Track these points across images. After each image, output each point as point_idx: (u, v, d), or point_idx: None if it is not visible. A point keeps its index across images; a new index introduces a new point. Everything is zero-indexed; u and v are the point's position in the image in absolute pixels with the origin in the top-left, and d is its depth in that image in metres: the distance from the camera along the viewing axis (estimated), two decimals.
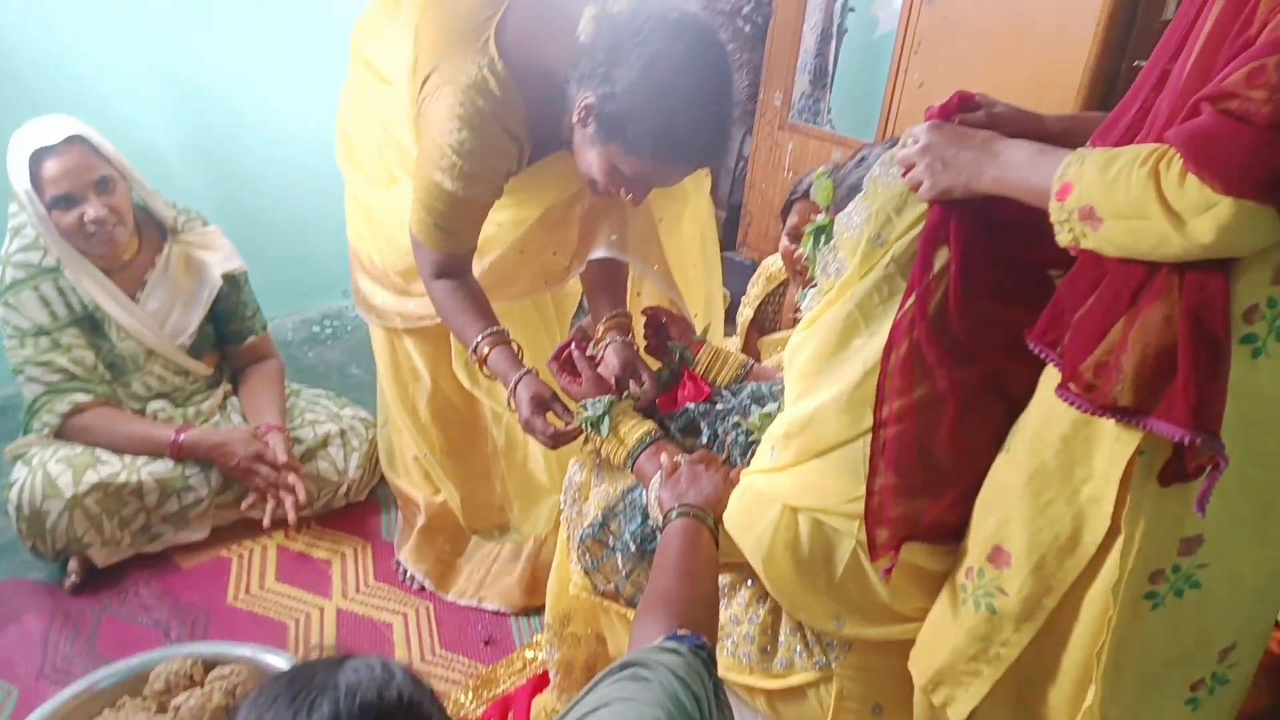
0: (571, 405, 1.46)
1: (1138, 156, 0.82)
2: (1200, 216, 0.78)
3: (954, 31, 2.60)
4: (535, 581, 1.89)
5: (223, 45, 2.35)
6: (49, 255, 1.82)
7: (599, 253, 1.59)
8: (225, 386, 2.12)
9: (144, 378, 1.98)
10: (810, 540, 1.15)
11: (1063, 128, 1.08)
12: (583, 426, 1.43)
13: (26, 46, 2.22)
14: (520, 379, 1.46)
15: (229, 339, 2.11)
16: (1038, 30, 2.42)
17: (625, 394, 1.50)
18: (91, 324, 1.89)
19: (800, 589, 1.18)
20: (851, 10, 3.56)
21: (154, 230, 1.98)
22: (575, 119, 1.36)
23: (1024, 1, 2.43)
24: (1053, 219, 0.89)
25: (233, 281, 2.05)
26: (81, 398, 1.85)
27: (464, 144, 1.35)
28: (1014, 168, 0.95)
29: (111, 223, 1.83)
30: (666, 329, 1.63)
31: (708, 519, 1.20)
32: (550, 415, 1.46)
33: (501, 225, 1.62)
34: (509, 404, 1.48)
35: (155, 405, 1.99)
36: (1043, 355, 0.97)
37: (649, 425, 1.42)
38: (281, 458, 1.92)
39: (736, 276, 3.22)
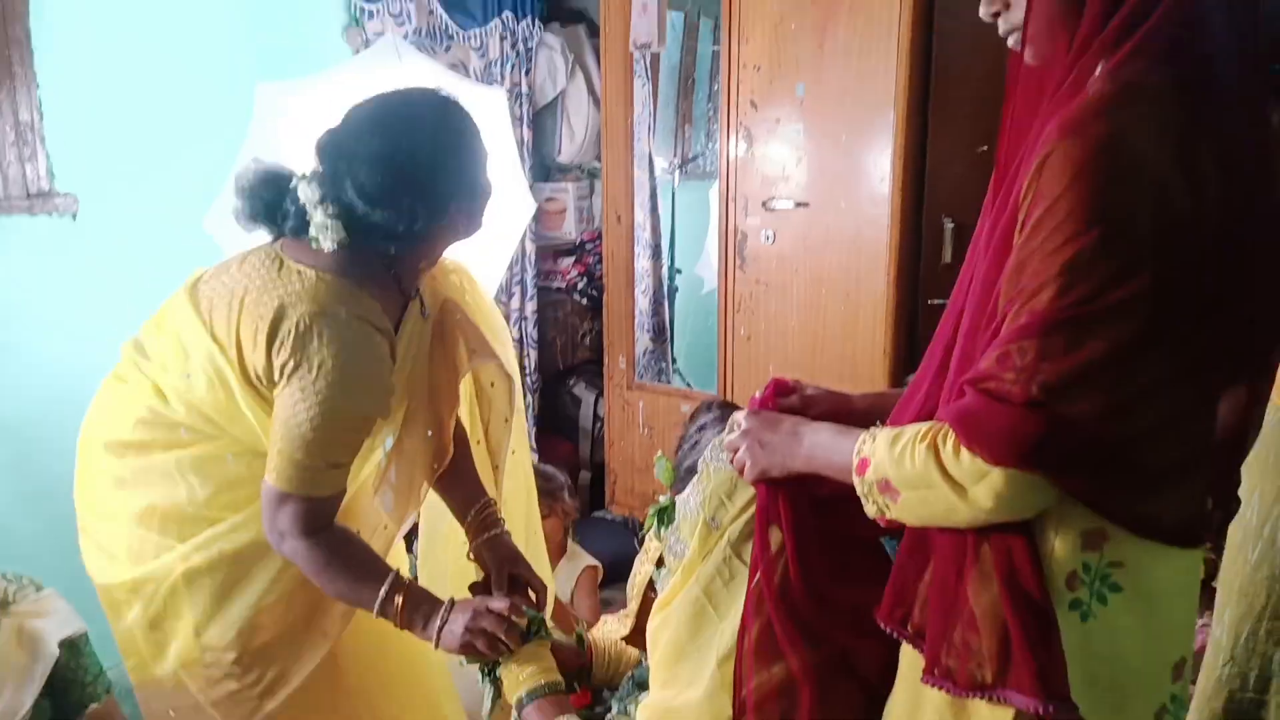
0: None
1: (918, 433, 0.92)
2: (978, 485, 0.87)
3: (766, 291, 2.87)
4: None
5: (55, 390, 2.30)
6: None
7: (468, 368, 1.62)
8: None
9: None
10: None
11: (868, 404, 1.20)
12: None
13: None
14: (449, 605, 1.44)
15: (68, 712, 1.90)
16: (839, 284, 2.71)
17: (539, 629, 1.49)
18: None
19: None
20: (678, 272, 3.88)
21: None
22: (435, 237, 1.43)
23: (821, 262, 2.73)
24: (858, 492, 0.97)
25: (71, 647, 1.88)
26: None
27: (349, 359, 1.32)
28: (819, 448, 1.05)
29: None
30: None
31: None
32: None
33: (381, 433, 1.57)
34: (436, 641, 1.43)
35: None
36: (895, 634, 1.01)
37: (553, 677, 1.42)
38: None
39: (608, 536, 3.23)
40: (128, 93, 2.39)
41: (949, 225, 2.59)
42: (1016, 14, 0.95)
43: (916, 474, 0.90)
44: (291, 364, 1.31)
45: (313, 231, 1.35)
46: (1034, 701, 0.86)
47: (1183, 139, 0.83)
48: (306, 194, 1.35)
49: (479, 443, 1.76)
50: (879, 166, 2.57)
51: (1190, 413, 0.90)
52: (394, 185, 1.34)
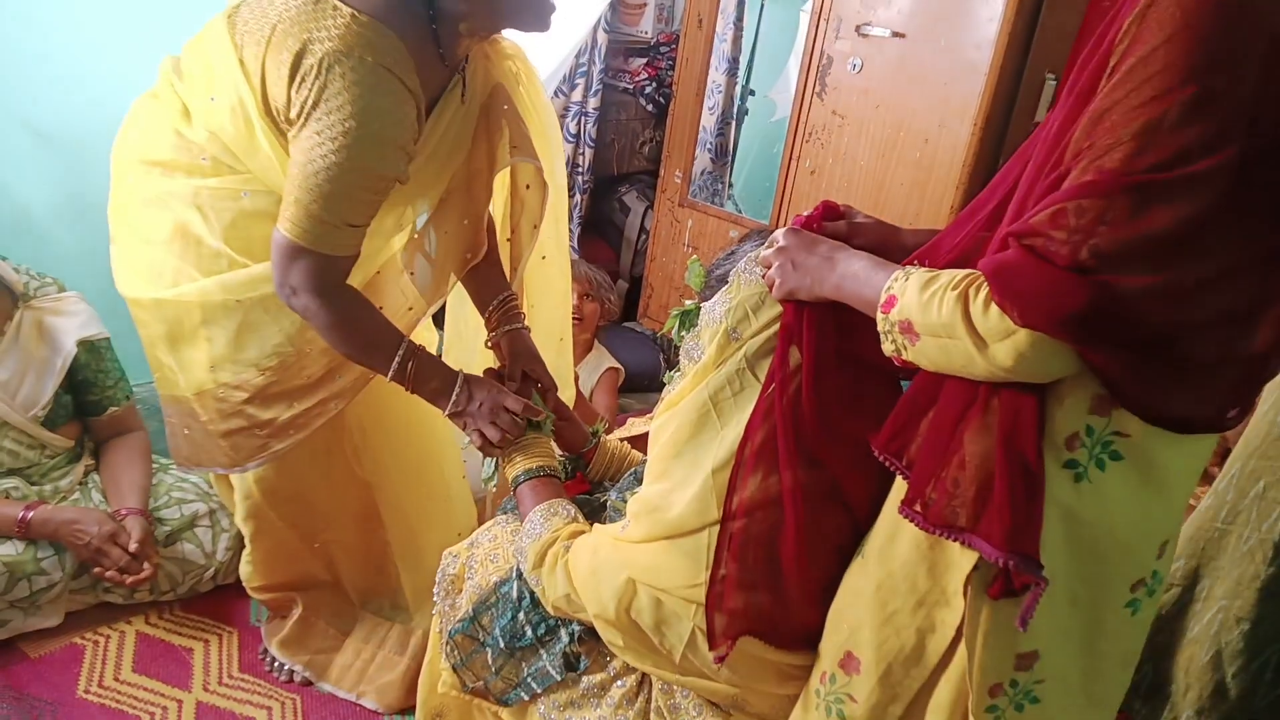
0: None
1: (952, 280, 0.88)
2: (1001, 342, 0.83)
3: (841, 124, 2.72)
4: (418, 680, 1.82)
5: (105, 104, 2.28)
6: None
7: (507, 163, 1.52)
8: (87, 462, 2.01)
9: None
10: (653, 614, 1.17)
11: (916, 241, 1.14)
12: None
13: None
14: (462, 379, 1.48)
15: (88, 410, 2.00)
16: (919, 126, 2.56)
17: (544, 424, 1.56)
18: None
19: (645, 652, 1.21)
20: (751, 94, 3.70)
21: (4, 297, 1.86)
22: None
23: (906, 101, 2.57)
24: (879, 328, 0.95)
25: (91, 348, 1.95)
26: None
27: (368, 107, 1.25)
28: (850, 278, 1.02)
29: None
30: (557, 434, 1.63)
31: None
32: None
33: (413, 207, 1.56)
34: (448, 410, 1.48)
35: (7, 483, 1.87)
36: (888, 464, 1.00)
37: (550, 463, 1.49)
38: (133, 546, 1.82)
39: (639, 348, 3.25)
40: None
41: (1050, 82, 2.40)
42: None
43: (941, 322, 0.87)
44: (310, 103, 1.25)
45: None
46: (998, 554, 0.86)
47: None
48: None
49: (507, 241, 1.73)
50: (990, 3, 2.36)
51: (1246, 313, 0.82)
52: None
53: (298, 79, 1.26)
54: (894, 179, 2.65)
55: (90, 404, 1.99)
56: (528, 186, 1.65)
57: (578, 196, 3.37)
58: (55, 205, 2.34)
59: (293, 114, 1.28)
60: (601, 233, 3.66)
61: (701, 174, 3.52)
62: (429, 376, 1.46)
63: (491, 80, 1.56)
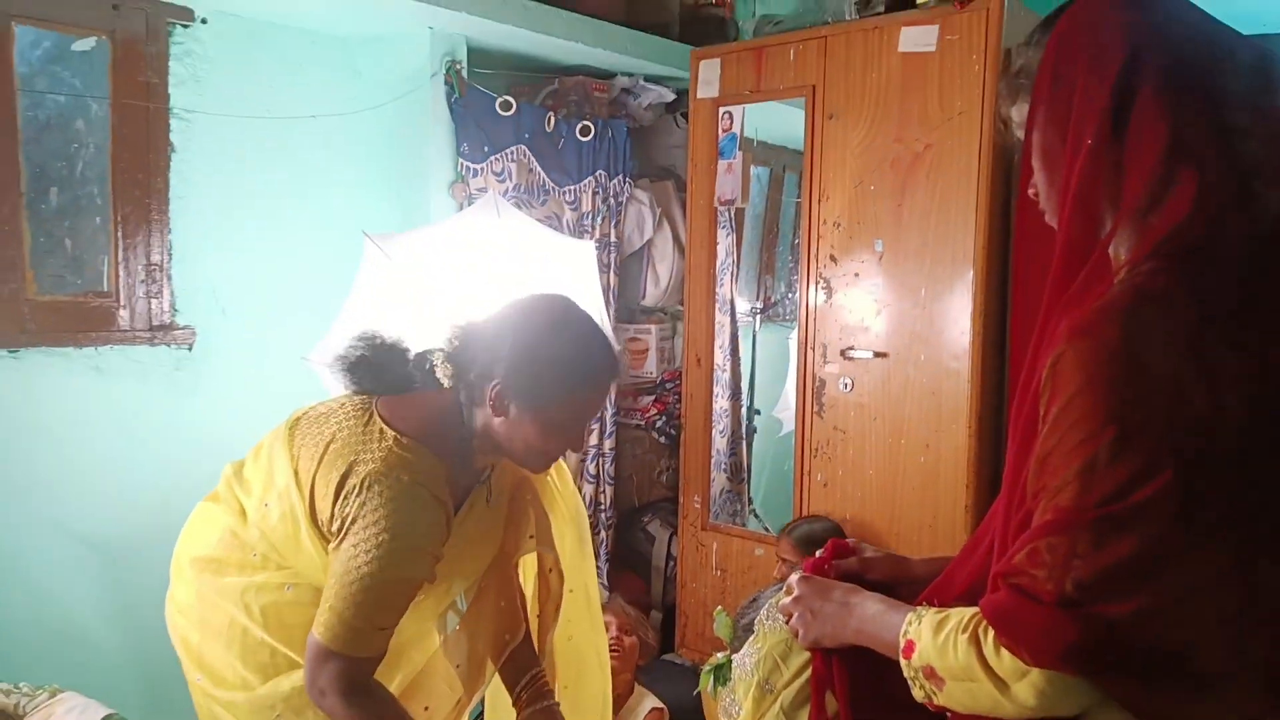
0: None
1: (961, 622, 0.91)
2: (1019, 682, 0.85)
3: (844, 438, 2.86)
4: None
5: (152, 510, 2.43)
6: None
7: (529, 549, 1.68)
8: None
9: None
10: None
11: (929, 571, 1.19)
12: None
13: None
14: None
15: None
16: (918, 435, 2.69)
17: None
18: None
19: None
20: (757, 413, 3.90)
21: None
22: (492, 413, 1.45)
23: (900, 412, 2.72)
24: (905, 675, 0.96)
25: None
26: None
27: (401, 521, 1.37)
28: (868, 622, 1.04)
29: None
30: None
31: None
32: None
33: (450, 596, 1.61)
34: None
35: None
36: None
37: None
38: None
39: (681, 682, 3.15)
40: (249, 236, 2.62)
41: None
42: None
43: (960, 666, 0.89)
44: (350, 519, 1.39)
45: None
46: None
47: (1194, 342, 0.83)
48: (445, 371, 1.50)
49: (535, 616, 1.80)
50: (959, 321, 2.59)
51: (1247, 612, 0.85)
52: (513, 377, 1.44)
53: (341, 496, 1.40)
54: (904, 484, 2.74)
55: None
56: (550, 570, 1.76)
57: (602, 533, 3.45)
58: (100, 615, 2.41)
59: (334, 528, 1.41)
60: (630, 564, 3.69)
61: (721, 494, 3.62)
62: None
63: (519, 474, 1.71)
